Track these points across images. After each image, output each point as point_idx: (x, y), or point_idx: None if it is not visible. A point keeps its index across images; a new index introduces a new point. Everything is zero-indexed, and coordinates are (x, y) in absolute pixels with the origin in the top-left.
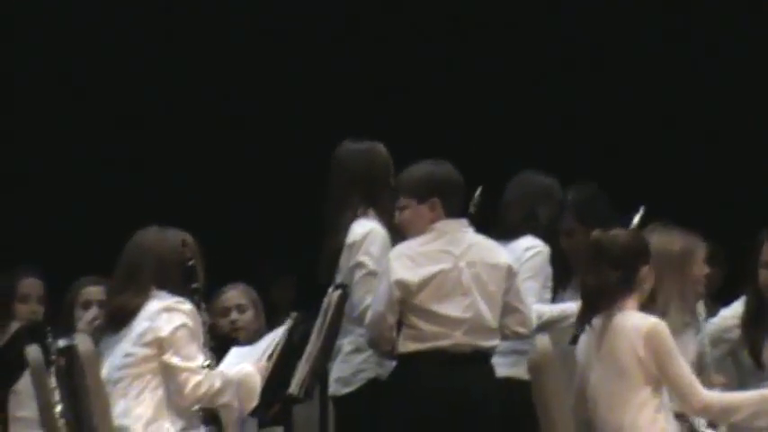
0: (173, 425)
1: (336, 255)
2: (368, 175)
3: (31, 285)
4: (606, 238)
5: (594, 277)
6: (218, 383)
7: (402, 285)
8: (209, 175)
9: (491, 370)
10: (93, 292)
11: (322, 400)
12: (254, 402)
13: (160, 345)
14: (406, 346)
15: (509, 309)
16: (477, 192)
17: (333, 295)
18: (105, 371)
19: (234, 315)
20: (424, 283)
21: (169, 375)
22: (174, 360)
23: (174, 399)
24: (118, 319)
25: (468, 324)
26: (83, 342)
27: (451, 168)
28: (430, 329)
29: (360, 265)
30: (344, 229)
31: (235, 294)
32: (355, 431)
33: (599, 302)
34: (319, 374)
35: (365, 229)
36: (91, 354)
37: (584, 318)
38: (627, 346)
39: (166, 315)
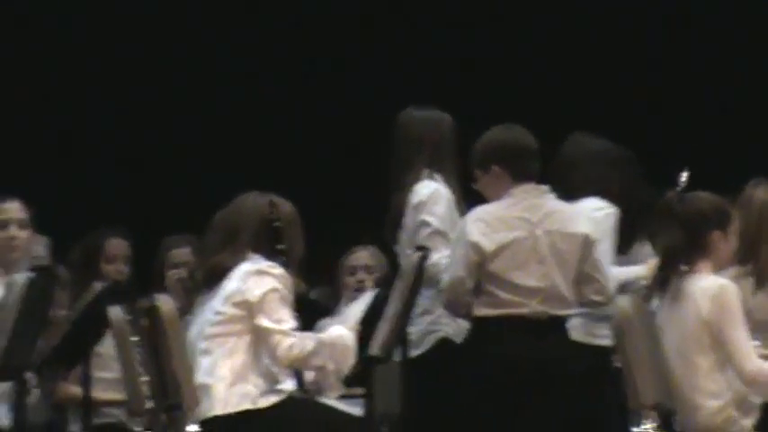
0: (255, 387)
1: (400, 214)
2: (434, 138)
3: (117, 246)
4: (679, 201)
5: (667, 239)
6: (309, 346)
7: (478, 249)
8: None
9: (567, 337)
10: (182, 252)
11: (403, 361)
12: (349, 363)
13: (249, 307)
14: (482, 311)
15: (586, 278)
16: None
17: (413, 257)
18: (196, 329)
19: (360, 275)
20: (500, 249)
21: (261, 338)
22: (266, 323)
23: (266, 361)
24: (213, 277)
25: (543, 293)
26: (165, 302)
27: (515, 132)
28: (506, 297)
29: (424, 223)
30: (409, 189)
31: (364, 255)
32: (428, 393)
33: (672, 265)
34: (400, 336)
35: (429, 189)
36: (173, 314)
37: (658, 280)
38: (694, 309)
39: (257, 278)
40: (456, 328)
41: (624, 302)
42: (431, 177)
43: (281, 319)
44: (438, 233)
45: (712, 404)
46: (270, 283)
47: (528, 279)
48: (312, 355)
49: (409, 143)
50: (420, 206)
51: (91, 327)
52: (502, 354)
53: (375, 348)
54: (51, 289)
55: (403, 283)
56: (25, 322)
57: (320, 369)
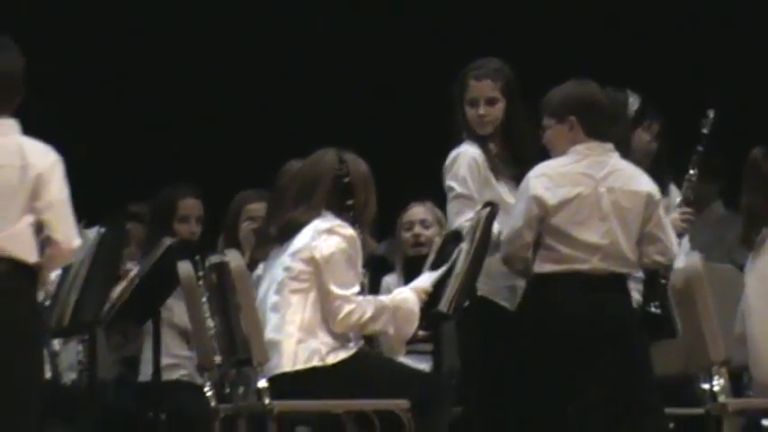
0: (324, 343)
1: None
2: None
3: (191, 206)
4: (764, 158)
5: (753, 196)
6: (369, 312)
7: (540, 203)
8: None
9: (628, 294)
10: (258, 207)
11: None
12: (412, 328)
13: (317, 264)
14: (543, 267)
15: (650, 237)
16: (711, 111)
17: (481, 213)
18: (265, 284)
19: (417, 229)
20: (562, 204)
21: (324, 298)
22: (329, 286)
23: (315, 307)
24: (286, 233)
25: (604, 250)
26: (234, 258)
27: (594, 88)
28: (567, 252)
29: (449, 188)
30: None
31: (420, 210)
32: (474, 351)
33: (758, 219)
34: (468, 292)
35: (455, 152)
36: (242, 269)
37: (745, 235)
38: None
39: (326, 236)
40: (492, 287)
41: (693, 260)
42: (467, 139)
43: (345, 283)
44: (460, 197)
45: None
46: (338, 243)
47: (589, 235)
48: (370, 322)
49: (456, 103)
50: (445, 170)
51: (160, 282)
52: (559, 310)
53: (443, 305)
54: (121, 244)
55: (472, 238)
56: (95, 277)
57: (382, 334)
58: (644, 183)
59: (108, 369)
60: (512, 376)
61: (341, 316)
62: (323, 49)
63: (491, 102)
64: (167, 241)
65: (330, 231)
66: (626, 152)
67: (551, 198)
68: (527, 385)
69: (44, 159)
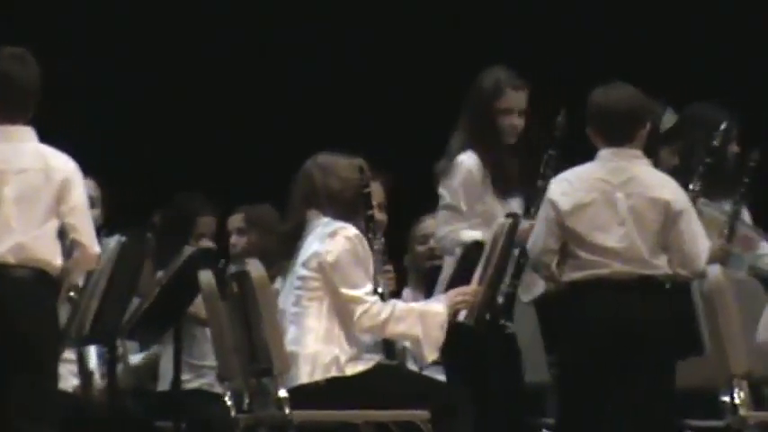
0: (342, 353)
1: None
2: (473, 103)
3: (208, 224)
4: None
5: None
6: (385, 313)
7: (555, 207)
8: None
9: (658, 296)
10: (235, 219)
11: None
12: (442, 334)
13: (325, 270)
14: (568, 275)
15: (672, 248)
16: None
17: (504, 223)
18: (283, 294)
19: (432, 242)
20: (577, 209)
21: (338, 302)
22: (340, 289)
23: (332, 317)
24: (289, 243)
25: (622, 254)
26: (255, 267)
27: (609, 94)
28: (587, 258)
29: (440, 195)
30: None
31: (433, 223)
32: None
33: None
34: (490, 303)
35: (453, 162)
36: (263, 279)
37: None
38: None
39: (330, 240)
40: None
41: (715, 271)
42: (467, 147)
43: (355, 283)
44: (449, 207)
45: None
46: (343, 244)
47: (608, 240)
48: (391, 322)
49: (480, 108)
50: (440, 176)
51: (181, 291)
52: (587, 318)
53: (465, 316)
54: (142, 252)
55: (492, 249)
56: (116, 286)
57: (407, 337)
58: (666, 192)
59: (129, 376)
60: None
61: (356, 317)
62: (340, 61)
63: (523, 114)
64: (189, 250)
65: (333, 234)
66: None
67: (566, 203)
68: (560, 397)
69: (67, 164)
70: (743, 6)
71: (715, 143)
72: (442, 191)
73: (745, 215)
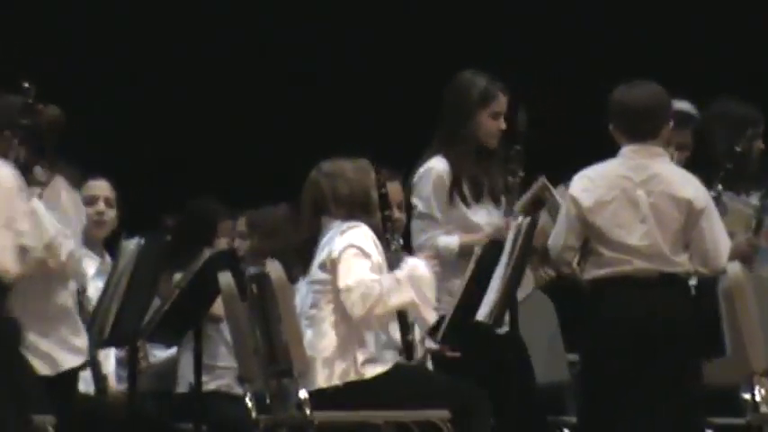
0: (359, 355)
1: None
2: (450, 107)
3: (228, 227)
4: None
5: None
6: (377, 289)
7: (576, 204)
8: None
9: (685, 295)
10: (238, 223)
11: (513, 327)
12: (433, 291)
13: (334, 267)
14: (590, 272)
15: (693, 246)
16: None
17: (522, 223)
18: (301, 298)
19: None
20: (599, 206)
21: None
22: (336, 283)
23: (367, 328)
24: (305, 253)
25: (644, 252)
26: (274, 269)
27: (631, 92)
28: (609, 255)
29: (413, 205)
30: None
31: None
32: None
33: None
34: (509, 302)
35: (423, 168)
36: (283, 280)
37: None
38: None
39: (338, 238)
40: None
41: (734, 268)
42: (439, 152)
43: (354, 274)
44: (423, 216)
45: None
46: (348, 239)
47: (629, 237)
48: (387, 297)
49: (467, 110)
50: (413, 187)
51: (201, 293)
52: (607, 316)
53: (483, 314)
54: (161, 255)
55: (512, 248)
56: (136, 288)
57: (404, 306)
58: (688, 190)
59: (150, 378)
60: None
61: (349, 305)
62: (340, 61)
63: (505, 118)
64: (208, 252)
65: (342, 232)
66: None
67: (587, 199)
68: (582, 396)
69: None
70: (743, 6)
71: (738, 149)
72: (414, 200)
73: None
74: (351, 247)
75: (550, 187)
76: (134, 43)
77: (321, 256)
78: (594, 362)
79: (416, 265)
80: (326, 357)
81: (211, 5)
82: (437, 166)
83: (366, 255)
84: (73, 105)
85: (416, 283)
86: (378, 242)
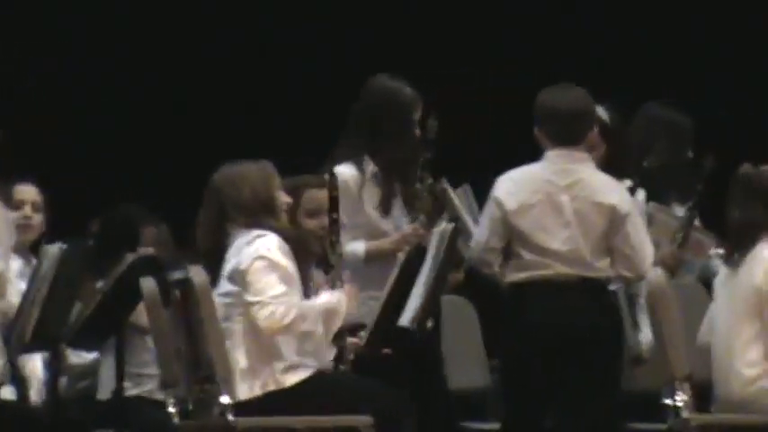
0: (277, 365)
1: None
2: (367, 112)
3: (152, 235)
4: (755, 174)
5: (741, 212)
6: (293, 313)
7: (500, 206)
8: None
9: (605, 301)
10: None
11: (437, 334)
12: (338, 324)
13: (243, 279)
14: (511, 276)
15: (616, 251)
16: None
17: (446, 228)
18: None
19: None
20: (522, 209)
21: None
22: (247, 296)
23: (253, 335)
24: (213, 262)
25: (565, 256)
26: (197, 274)
27: (555, 95)
28: (530, 258)
29: None
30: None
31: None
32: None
33: (744, 237)
34: (432, 308)
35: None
36: (206, 286)
37: (729, 250)
38: (749, 276)
39: (246, 249)
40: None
41: (656, 274)
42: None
43: (263, 289)
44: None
45: (749, 373)
46: (256, 251)
47: (552, 241)
48: (296, 323)
49: (396, 117)
50: None
51: (124, 298)
52: (527, 319)
53: (407, 320)
54: (84, 260)
55: (436, 254)
56: (58, 293)
57: (309, 335)
58: (611, 195)
59: (70, 386)
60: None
61: (260, 320)
62: (340, 61)
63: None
64: (130, 257)
65: (250, 243)
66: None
67: (511, 202)
68: (506, 401)
69: None
70: (743, 6)
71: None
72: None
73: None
74: (259, 259)
75: (451, 192)
76: (134, 43)
77: (229, 266)
78: (516, 366)
79: (334, 301)
80: (243, 369)
81: (211, 5)
82: (344, 171)
83: (275, 266)
84: (73, 105)
85: (328, 317)
86: (287, 249)
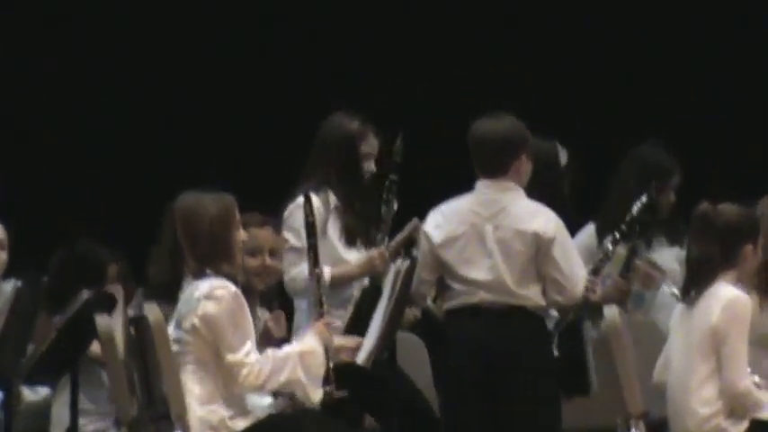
0: (228, 410)
1: None
2: (325, 144)
3: (114, 271)
4: (713, 212)
5: (699, 250)
6: (267, 369)
7: (428, 239)
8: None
9: (528, 325)
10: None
11: (391, 369)
12: (322, 368)
13: (201, 333)
14: (445, 304)
15: (546, 277)
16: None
17: (401, 265)
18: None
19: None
20: (448, 241)
21: (220, 366)
22: (223, 353)
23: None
24: (166, 295)
25: (489, 285)
26: (152, 312)
27: (487, 126)
28: (457, 288)
29: (284, 239)
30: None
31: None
32: None
33: (701, 274)
34: (387, 344)
35: (294, 204)
36: (161, 324)
37: (687, 288)
38: (705, 314)
39: (205, 302)
40: None
41: (611, 313)
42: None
43: (233, 346)
44: (294, 249)
45: (704, 411)
46: (218, 305)
47: (475, 272)
48: (273, 375)
49: (353, 148)
50: (284, 221)
51: (79, 335)
52: (458, 347)
53: (362, 359)
54: (38, 297)
55: (391, 290)
56: (13, 330)
57: (291, 383)
58: (534, 222)
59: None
60: None
61: (240, 381)
62: (340, 61)
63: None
64: (86, 294)
65: (208, 296)
66: (559, 197)
67: (438, 235)
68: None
69: None
70: (743, 6)
71: (644, 200)
72: (286, 234)
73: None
74: (224, 315)
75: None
76: (132, 42)
77: (180, 312)
78: (451, 393)
79: (307, 341)
80: (195, 417)
81: (211, 5)
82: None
83: (238, 321)
84: (73, 105)
85: (307, 361)
86: (240, 295)
